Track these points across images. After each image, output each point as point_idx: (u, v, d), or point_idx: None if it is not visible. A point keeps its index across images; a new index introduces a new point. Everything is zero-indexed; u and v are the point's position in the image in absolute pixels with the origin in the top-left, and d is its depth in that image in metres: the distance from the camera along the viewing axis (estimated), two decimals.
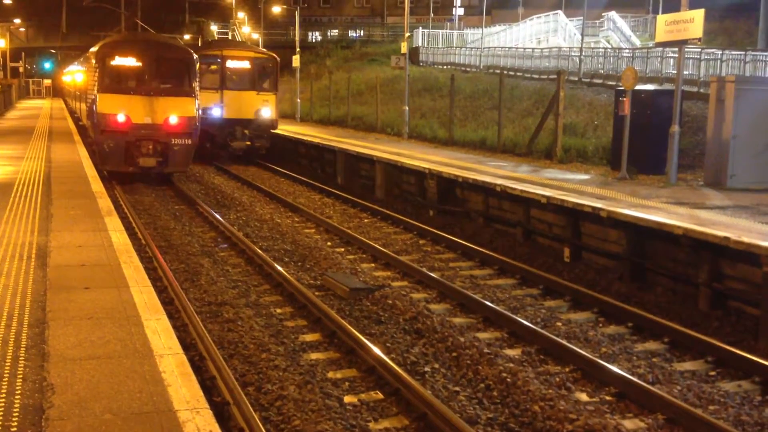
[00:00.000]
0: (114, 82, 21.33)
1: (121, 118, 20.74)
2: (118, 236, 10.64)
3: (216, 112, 27.36)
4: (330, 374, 8.37)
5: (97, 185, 15.39)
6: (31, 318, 6.95)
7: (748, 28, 37.64)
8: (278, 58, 29.54)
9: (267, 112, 27.99)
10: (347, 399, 7.75)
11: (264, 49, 33.55)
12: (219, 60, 27.96)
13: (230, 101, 27.67)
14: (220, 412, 7.08)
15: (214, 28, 66.63)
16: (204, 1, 52.14)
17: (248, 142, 27.90)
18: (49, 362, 5.89)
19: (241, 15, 65.45)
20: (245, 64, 28.31)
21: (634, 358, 9.13)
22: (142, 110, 20.89)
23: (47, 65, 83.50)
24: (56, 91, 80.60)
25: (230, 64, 28.12)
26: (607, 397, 7.93)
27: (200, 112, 22.68)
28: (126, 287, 8.09)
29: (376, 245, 14.30)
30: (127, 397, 5.26)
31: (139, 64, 21.39)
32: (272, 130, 28.65)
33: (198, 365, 8.18)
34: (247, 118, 27.74)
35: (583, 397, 7.94)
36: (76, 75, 39.03)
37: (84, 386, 5.44)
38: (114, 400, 5.22)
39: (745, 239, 10.32)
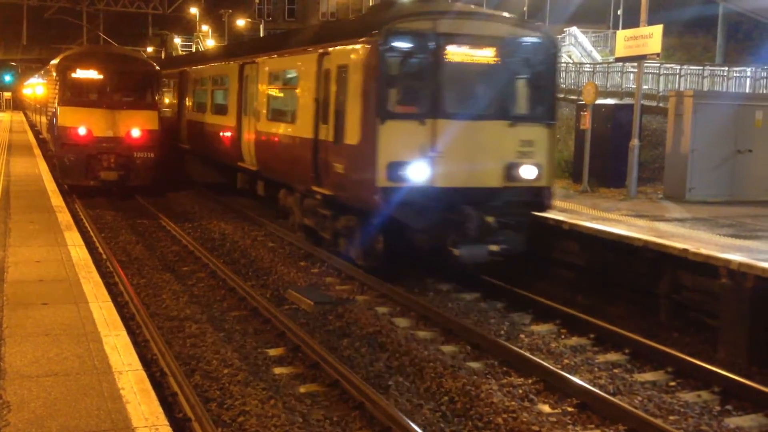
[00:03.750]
0: (75, 95, 21.08)
1: (82, 131, 20.49)
2: (78, 251, 10.52)
3: (419, 173, 11.78)
4: (294, 389, 8.32)
5: (57, 199, 15.20)
6: None
7: (706, 43, 38.39)
8: (556, 40, 13.67)
9: (531, 171, 12.47)
10: (311, 413, 7.70)
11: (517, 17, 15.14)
12: (431, 46, 11.87)
13: (457, 147, 11.96)
14: (182, 428, 7.00)
15: (177, 41, 66.24)
16: (167, 14, 51.82)
17: (494, 247, 12.03)
18: (5, 380, 5.79)
19: (205, 28, 65.19)
20: (486, 53, 12.33)
21: (596, 369, 9.21)
22: (103, 123, 20.66)
23: (7, 78, 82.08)
24: (16, 104, 79.48)
25: (457, 54, 12.08)
26: (569, 408, 7.99)
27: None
28: (85, 303, 7.99)
29: (340, 259, 14.27)
30: (84, 415, 5.19)
31: (101, 76, 21.18)
32: (537, 212, 13.01)
33: (159, 381, 8.09)
34: (489, 188, 12.34)
35: (546, 408, 7.99)
36: (36, 88, 38.58)
37: (41, 404, 5.35)
38: (71, 417, 5.15)
39: (704, 251, 10.49)
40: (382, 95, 11.71)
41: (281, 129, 15.55)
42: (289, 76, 15.77)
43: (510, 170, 12.29)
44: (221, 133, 19.42)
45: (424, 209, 11.81)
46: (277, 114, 16.17)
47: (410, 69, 12.23)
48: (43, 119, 28.69)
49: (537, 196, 12.64)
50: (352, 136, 12.11)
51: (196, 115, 22.36)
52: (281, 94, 16.41)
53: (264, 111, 16.50)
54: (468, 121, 12.01)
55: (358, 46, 12.17)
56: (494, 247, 11.96)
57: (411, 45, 11.96)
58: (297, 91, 14.73)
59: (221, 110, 19.73)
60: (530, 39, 12.71)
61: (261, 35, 52.35)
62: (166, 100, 26.65)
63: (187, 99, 23.77)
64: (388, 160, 11.51)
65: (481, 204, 11.96)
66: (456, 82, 12.16)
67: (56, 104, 21.22)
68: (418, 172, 11.67)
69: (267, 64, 16.63)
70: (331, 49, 13.13)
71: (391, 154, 11.55)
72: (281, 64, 16.14)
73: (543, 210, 12.85)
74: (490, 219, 11.78)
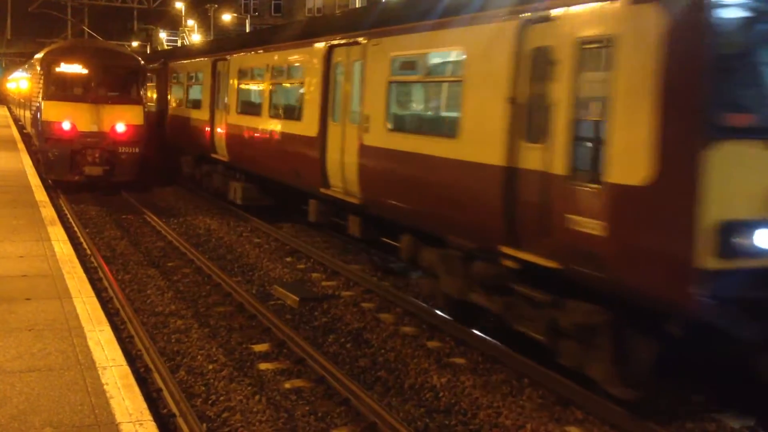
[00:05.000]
0: (59, 89, 20.97)
1: (66, 125, 20.37)
2: (62, 246, 10.48)
3: None
4: (279, 384, 8.32)
5: (41, 194, 15.13)
6: None
7: None
8: None
9: None
10: (296, 409, 7.71)
11: None
12: None
13: None
14: (166, 424, 6.99)
15: (163, 35, 65.98)
16: (153, 8, 51.65)
17: None
18: None
19: (191, 23, 64.96)
20: None
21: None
22: (88, 118, 20.54)
23: None
24: (0, 99, 78.94)
25: None
26: (554, 404, 8.02)
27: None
28: (69, 298, 7.96)
29: (326, 254, 14.27)
30: (68, 410, 5.17)
31: (85, 71, 21.06)
32: None
33: (144, 377, 8.06)
34: None
35: (530, 404, 8.02)
36: (20, 82, 38.32)
37: (24, 399, 5.33)
38: (54, 413, 5.13)
39: None
40: (709, 93, 6.26)
41: (420, 146, 10.07)
42: (435, 61, 10.44)
43: None
44: (290, 147, 14.42)
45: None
46: (410, 122, 11.28)
47: (756, 44, 6.70)
48: (28, 114, 28.49)
49: None
50: (633, 168, 6.73)
51: (244, 119, 17.11)
52: (418, 92, 11.31)
53: (379, 117, 11.08)
54: None
55: (640, 3, 6.83)
56: None
57: None
58: (462, 85, 9.21)
59: (290, 114, 14.82)
60: None
61: (247, 31, 52.11)
62: (189, 96, 22.09)
63: (227, 97, 18.20)
64: (720, 216, 6.24)
65: None
66: None
67: (40, 99, 21.08)
68: None
69: (386, 45, 11.10)
70: (556, 11, 7.77)
71: (726, 206, 6.28)
72: (418, 43, 10.41)
73: None
74: None
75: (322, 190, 12.85)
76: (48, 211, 13.24)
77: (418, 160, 10.09)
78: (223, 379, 8.30)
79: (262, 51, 16.61)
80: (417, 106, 11.47)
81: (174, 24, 65.17)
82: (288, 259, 14.31)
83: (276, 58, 15.57)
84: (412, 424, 7.42)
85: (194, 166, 21.74)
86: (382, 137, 10.98)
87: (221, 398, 7.80)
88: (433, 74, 10.49)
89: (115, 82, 21.46)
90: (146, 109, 22.19)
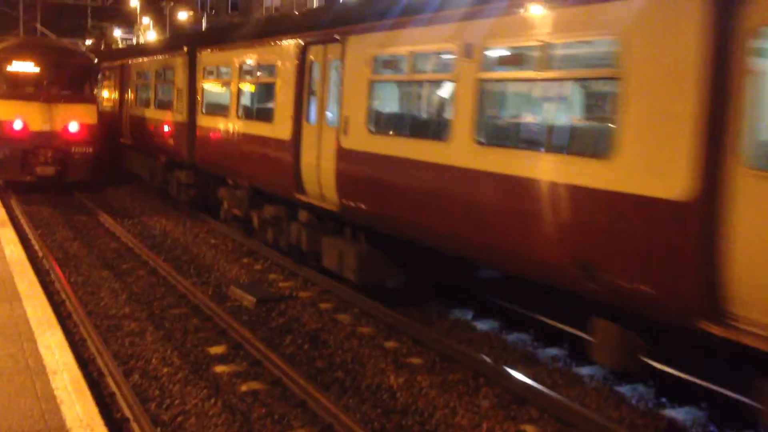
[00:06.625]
0: (10, 87, 20.60)
1: (17, 125, 20.01)
2: (13, 248, 10.29)
3: None
4: (235, 387, 8.26)
5: None
6: None
7: None
8: None
9: None
10: (252, 412, 7.66)
11: None
12: None
13: None
14: (120, 428, 6.90)
15: (117, 33, 65.10)
16: (107, 6, 50.96)
17: None
18: None
19: (146, 21, 64.19)
20: None
21: (536, 363, 9.34)
22: (40, 117, 20.21)
23: None
24: None
25: None
26: (510, 403, 8.08)
27: None
28: (19, 301, 7.83)
29: (283, 256, 14.20)
30: (17, 416, 5.08)
31: (37, 69, 20.72)
32: None
33: (97, 381, 7.95)
34: None
35: (486, 403, 8.07)
36: None
37: None
38: (3, 419, 5.04)
39: None
40: None
41: None
42: None
43: None
44: (558, 210, 7.33)
45: None
46: None
47: None
48: None
49: None
50: None
51: (387, 145, 10.11)
52: None
53: None
54: None
55: None
56: None
57: None
58: None
59: (568, 143, 8.06)
60: None
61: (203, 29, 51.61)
62: (241, 101, 15.15)
63: (338, 104, 11.15)
64: None
65: None
66: None
67: None
68: None
69: None
70: None
71: None
72: None
73: None
74: None
75: (709, 328, 5.81)
76: None
77: None
78: (178, 383, 8.22)
79: (441, 22, 9.02)
80: None
81: (128, 22, 64.38)
82: (245, 260, 14.21)
83: (494, 31, 8.19)
84: (369, 424, 7.42)
85: (249, 205, 14.89)
86: None
87: (176, 402, 7.72)
88: None
89: (68, 80, 21.14)
90: (100, 108, 21.90)
